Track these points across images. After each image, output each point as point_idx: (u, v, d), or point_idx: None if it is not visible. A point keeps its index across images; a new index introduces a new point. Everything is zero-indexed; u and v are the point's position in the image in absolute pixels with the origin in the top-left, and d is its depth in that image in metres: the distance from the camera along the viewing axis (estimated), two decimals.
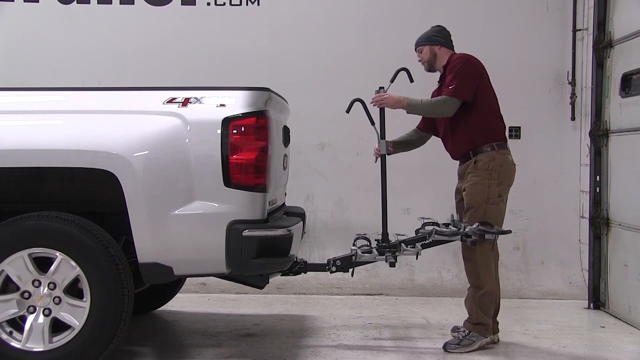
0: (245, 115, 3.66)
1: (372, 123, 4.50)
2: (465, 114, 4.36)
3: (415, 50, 4.62)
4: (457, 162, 4.57)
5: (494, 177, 4.33)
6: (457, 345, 4.33)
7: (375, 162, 4.62)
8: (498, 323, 4.56)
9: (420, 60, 4.61)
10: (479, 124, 4.38)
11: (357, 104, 4.46)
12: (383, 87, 4.51)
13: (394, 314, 5.40)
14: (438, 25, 4.65)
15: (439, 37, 4.57)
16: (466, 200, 4.38)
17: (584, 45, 6.12)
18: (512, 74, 6.22)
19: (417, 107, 4.42)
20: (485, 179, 4.33)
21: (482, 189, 4.33)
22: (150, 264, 3.67)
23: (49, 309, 3.65)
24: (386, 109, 4.52)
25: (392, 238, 4.41)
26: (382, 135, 4.52)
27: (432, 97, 4.62)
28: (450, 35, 4.62)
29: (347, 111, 4.48)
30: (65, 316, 3.64)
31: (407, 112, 4.52)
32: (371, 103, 4.50)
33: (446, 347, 4.34)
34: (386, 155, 4.55)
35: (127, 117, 3.72)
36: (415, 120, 4.76)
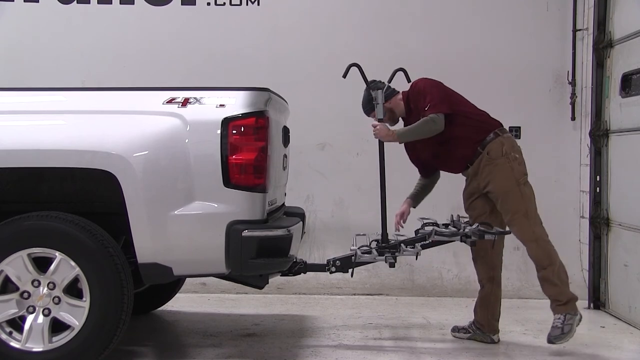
0: (244, 116, 3.66)
1: (369, 88, 4.50)
2: (455, 128, 4.34)
3: (369, 117, 4.57)
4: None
5: (512, 159, 4.33)
6: (562, 335, 4.19)
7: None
8: (499, 322, 4.55)
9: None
10: (472, 128, 4.38)
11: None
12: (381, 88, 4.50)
13: (394, 314, 5.40)
14: (371, 82, 4.51)
15: (380, 95, 4.48)
16: (497, 193, 4.31)
17: (584, 45, 6.11)
18: (512, 74, 6.22)
19: (407, 134, 4.39)
20: (505, 164, 4.31)
21: (507, 174, 4.30)
22: (149, 264, 3.67)
23: (49, 309, 3.64)
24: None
25: (392, 238, 4.41)
26: (382, 112, 4.48)
27: (411, 159, 4.70)
28: (384, 84, 4.53)
29: (344, 76, 4.47)
30: (65, 316, 3.64)
31: (400, 143, 4.49)
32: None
33: (553, 341, 4.22)
34: (384, 143, 4.50)
35: (127, 117, 3.72)
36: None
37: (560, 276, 4.30)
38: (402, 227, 4.64)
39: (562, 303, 4.28)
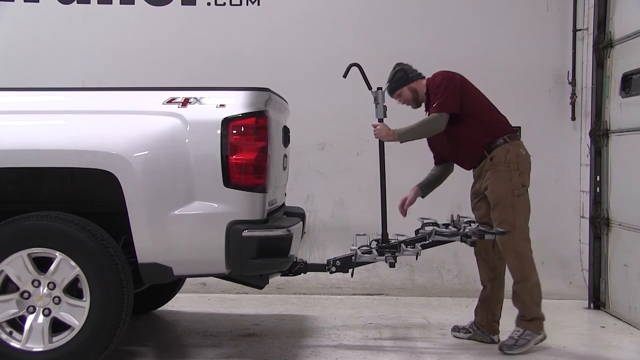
0: (245, 116, 3.66)
1: (370, 88, 4.50)
2: (463, 127, 4.35)
3: (393, 96, 4.57)
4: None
5: (513, 169, 4.30)
6: (514, 346, 4.27)
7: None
8: (499, 324, 4.55)
9: (403, 104, 4.58)
10: (480, 130, 4.36)
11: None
12: (381, 88, 4.50)
13: (394, 314, 5.40)
14: (398, 64, 4.57)
15: (408, 74, 4.53)
16: (492, 199, 4.33)
17: (584, 45, 6.11)
18: (512, 74, 6.22)
19: (408, 133, 4.38)
20: (505, 172, 4.30)
21: (504, 183, 4.29)
22: (149, 264, 3.67)
23: (49, 309, 3.64)
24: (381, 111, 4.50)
25: (392, 238, 4.41)
26: (383, 113, 4.46)
27: (430, 146, 4.66)
28: (412, 66, 4.57)
29: (344, 76, 4.47)
30: (65, 316, 3.64)
31: (401, 142, 4.45)
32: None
33: (503, 349, 4.29)
34: (384, 143, 4.49)
35: (127, 117, 3.73)
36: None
37: (531, 294, 4.31)
38: (404, 214, 4.63)
39: (526, 319, 4.33)
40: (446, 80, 4.40)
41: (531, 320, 4.32)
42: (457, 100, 4.34)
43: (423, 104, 4.61)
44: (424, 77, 4.57)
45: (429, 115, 4.44)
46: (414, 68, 4.58)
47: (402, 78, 4.52)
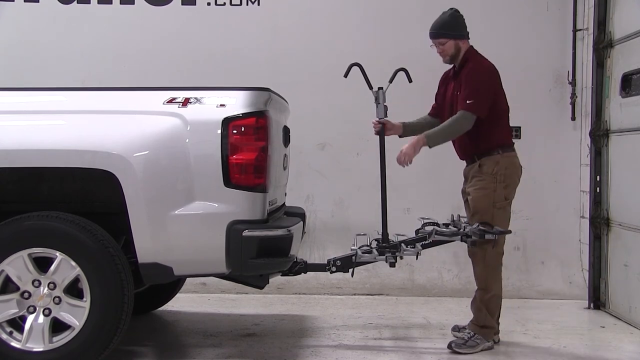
0: (245, 116, 3.67)
1: (370, 87, 4.48)
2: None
3: (435, 39, 4.43)
4: (460, 161, 4.57)
5: (499, 181, 4.29)
6: (463, 345, 4.30)
7: (376, 134, 4.51)
8: (499, 324, 4.55)
9: (439, 52, 4.44)
10: (487, 131, 4.31)
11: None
12: (382, 88, 4.49)
13: (394, 314, 5.40)
14: (456, 11, 4.45)
15: (463, 29, 4.42)
16: (472, 205, 4.35)
17: (584, 45, 6.11)
18: (512, 74, 6.15)
19: (437, 135, 4.29)
20: (490, 183, 4.30)
21: (487, 194, 4.29)
22: (150, 264, 3.67)
23: (49, 309, 3.65)
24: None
25: (393, 238, 4.41)
26: (383, 112, 4.44)
27: (437, 95, 4.60)
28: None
29: (345, 76, 4.47)
30: (65, 316, 3.64)
31: (430, 147, 4.33)
32: (402, 163, 4.33)
33: (451, 346, 4.33)
34: (384, 137, 4.47)
35: (127, 117, 3.73)
36: (424, 107, 4.75)
37: (488, 305, 4.35)
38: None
39: (478, 325, 4.37)
40: (486, 78, 4.30)
41: (482, 327, 4.36)
42: (488, 104, 4.26)
43: (442, 71, 4.53)
44: (469, 39, 4.45)
45: (457, 110, 4.29)
46: (465, 26, 4.43)
47: (454, 28, 4.39)
